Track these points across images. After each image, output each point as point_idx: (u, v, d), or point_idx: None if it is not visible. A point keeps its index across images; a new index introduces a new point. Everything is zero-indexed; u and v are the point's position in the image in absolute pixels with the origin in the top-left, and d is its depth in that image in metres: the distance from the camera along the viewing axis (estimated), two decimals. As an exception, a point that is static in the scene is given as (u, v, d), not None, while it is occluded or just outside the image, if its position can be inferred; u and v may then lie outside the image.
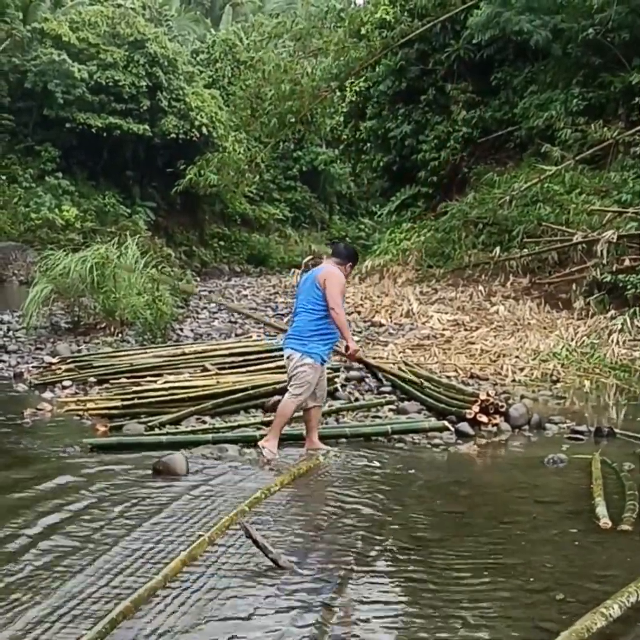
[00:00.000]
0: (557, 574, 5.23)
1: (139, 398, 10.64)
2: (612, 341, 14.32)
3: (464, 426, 9.57)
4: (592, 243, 18.06)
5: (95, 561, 5.34)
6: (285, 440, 8.66)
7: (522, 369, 13.35)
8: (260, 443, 8.36)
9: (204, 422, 9.81)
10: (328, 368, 9.53)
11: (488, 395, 10.12)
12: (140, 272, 18.08)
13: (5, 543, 5.66)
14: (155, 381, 11.64)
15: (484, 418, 9.75)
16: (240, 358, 12.54)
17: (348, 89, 32.67)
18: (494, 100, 27.06)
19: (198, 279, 33.19)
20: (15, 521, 6.14)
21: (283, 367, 9.32)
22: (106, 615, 4.28)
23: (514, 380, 12.82)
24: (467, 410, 9.76)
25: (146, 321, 15.80)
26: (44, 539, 5.78)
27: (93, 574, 5.11)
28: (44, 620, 4.44)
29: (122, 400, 10.61)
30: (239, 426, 9.48)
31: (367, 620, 4.56)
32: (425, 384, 11.08)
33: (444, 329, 16.82)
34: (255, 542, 5.20)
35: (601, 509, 6.34)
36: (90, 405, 10.54)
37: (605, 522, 6.11)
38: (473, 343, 15.27)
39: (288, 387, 8.58)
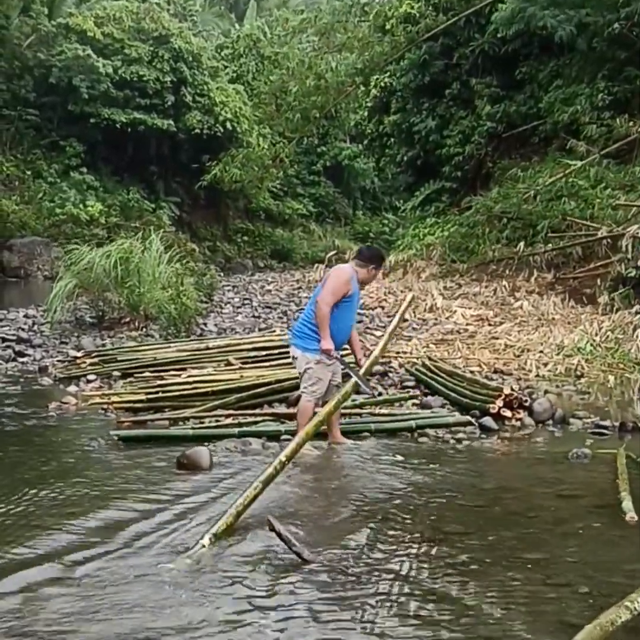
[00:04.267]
0: (581, 568, 5.22)
1: (163, 392, 10.66)
2: (637, 336, 14.20)
3: (488, 421, 9.55)
4: (617, 238, 17.96)
5: (115, 549, 5.40)
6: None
7: (546, 364, 13.29)
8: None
9: (229, 416, 9.82)
10: (349, 363, 9.48)
11: (512, 390, 10.10)
12: (164, 266, 18.11)
13: (27, 535, 5.69)
14: (179, 375, 11.67)
15: (507, 413, 9.72)
16: (264, 352, 12.55)
17: (372, 83, 32.65)
18: (518, 94, 26.94)
19: (222, 274, 33.26)
20: (39, 513, 6.18)
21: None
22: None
23: (537, 375, 12.76)
24: (491, 405, 9.73)
25: (170, 316, 15.82)
26: (68, 529, 5.82)
27: (113, 562, 5.18)
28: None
29: (146, 394, 10.63)
30: (263, 420, 9.50)
31: (388, 614, 4.56)
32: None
33: (467, 324, 16.79)
34: (279, 534, 5.22)
35: (627, 504, 6.31)
36: (114, 398, 10.56)
37: (631, 516, 6.08)
38: (497, 338, 15.23)
39: (300, 386, 8.57)
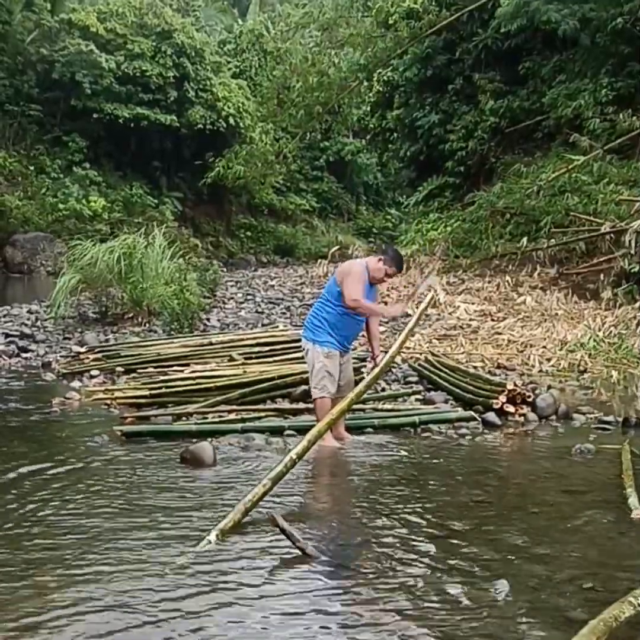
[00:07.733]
0: (585, 564, 5.22)
1: (167, 387, 10.65)
2: (640, 331, 14.25)
3: (491, 416, 9.54)
4: (620, 233, 17.97)
5: (119, 544, 5.40)
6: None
7: (549, 359, 13.30)
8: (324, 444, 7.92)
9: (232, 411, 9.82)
10: (354, 357, 9.46)
11: (515, 385, 10.09)
12: (167, 262, 18.09)
13: (32, 531, 5.69)
14: (182, 371, 11.66)
15: (511, 408, 9.72)
16: (267, 348, 12.55)
17: (375, 78, 32.61)
18: (522, 89, 26.93)
19: (225, 269, 33.21)
20: (43, 508, 6.18)
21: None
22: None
23: (541, 371, 12.78)
24: (494, 401, 9.73)
25: (173, 311, 15.80)
26: (72, 524, 5.82)
27: (117, 557, 5.17)
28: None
29: (150, 389, 10.63)
30: (266, 416, 9.49)
31: (392, 609, 4.56)
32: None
33: (470, 319, 16.78)
34: (282, 530, 5.22)
35: (633, 500, 6.29)
36: (117, 394, 10.55)
37: (637, 513, 6.06)
38: (500, 333, 15.23)
39: (310, 384, 8.53)
